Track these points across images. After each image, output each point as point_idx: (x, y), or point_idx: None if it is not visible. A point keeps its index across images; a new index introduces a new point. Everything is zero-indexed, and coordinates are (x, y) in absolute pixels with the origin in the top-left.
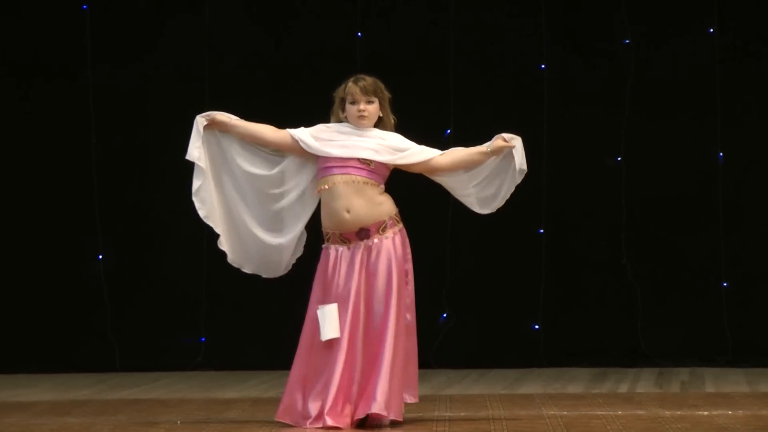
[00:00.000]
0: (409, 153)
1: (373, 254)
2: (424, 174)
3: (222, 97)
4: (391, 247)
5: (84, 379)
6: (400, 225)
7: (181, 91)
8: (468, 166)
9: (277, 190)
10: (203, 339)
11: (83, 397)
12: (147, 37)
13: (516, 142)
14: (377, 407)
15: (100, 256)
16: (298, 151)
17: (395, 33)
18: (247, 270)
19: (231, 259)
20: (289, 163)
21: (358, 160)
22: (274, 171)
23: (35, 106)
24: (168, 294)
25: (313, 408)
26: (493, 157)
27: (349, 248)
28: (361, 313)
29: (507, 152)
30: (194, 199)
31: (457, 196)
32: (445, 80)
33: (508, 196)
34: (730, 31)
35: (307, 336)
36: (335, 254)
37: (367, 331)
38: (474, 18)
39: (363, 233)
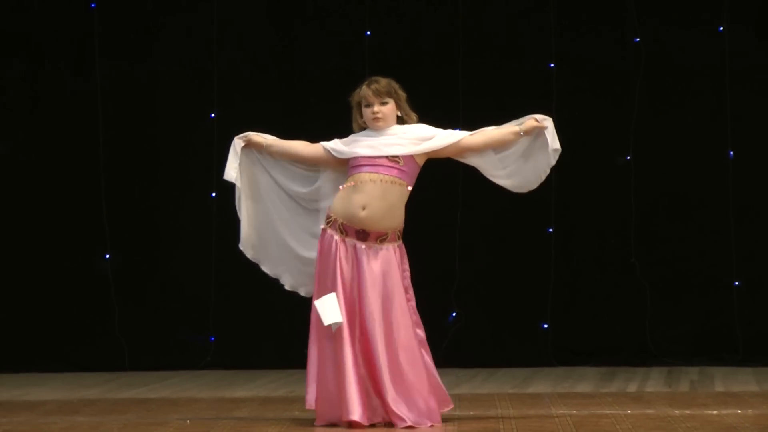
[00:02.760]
0: (437, 138)
1: (371, 255)
2: (454, 157)
3: (231, 95)
4: (392, 256)
5: (93, 378)
6: (400, 241)
7: (189, 89)
8: (498, 146)
9: (313, 206)
10: (212, 338)
11: (92, 396)
12: (156, 34)
13: (548, 123)
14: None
15: (108, 255)
16: (332, 163)
17: (403, 31)
18: (286, 283)
19: (270, 270)
20: (324, 180)
21: (387, 158)
22: (311, 188)
23: (43, 104)
24: (177, 293)
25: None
26: (524, 138)
27: (344, 241)
28: (356, 310)
29: (538, 133)
30: (241, 248)
31: (489, 177)
32: (454, 77)
33: (543, 177)
34: (740, 29)
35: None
36: (333, 242)
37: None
38: (483, 15)
39: (362, 234)
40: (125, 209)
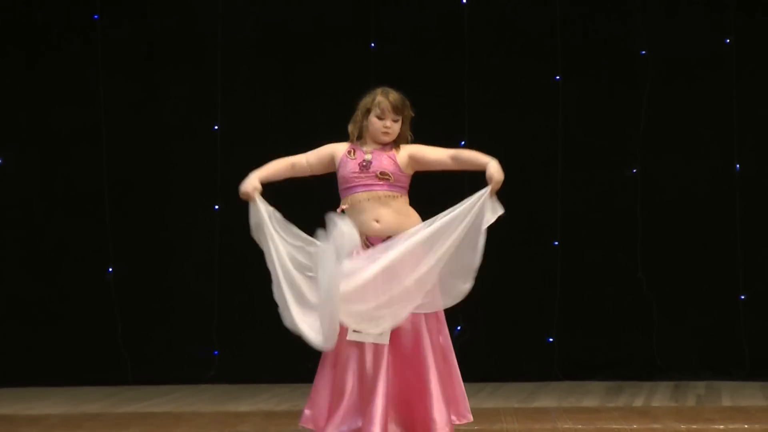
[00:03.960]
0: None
1: None
2: (437, 167)
3: (234, 107)
4: None
5: (96, 393)
6: None
7: (193, 100)
8: (467, 165)
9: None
10: (216, 352)
11: (95, 411)
12: (160, 46)
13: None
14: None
15: (111, 269)
16: (319, 170)
17: (409, 44)
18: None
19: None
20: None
21: (377, 176)
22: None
23: (47, 113)
24: (180, 306)
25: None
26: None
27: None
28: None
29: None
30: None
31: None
32: (459, 92)
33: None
34: (746, 42)
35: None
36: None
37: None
38: (488, 30)
39: (388, 241)
40: (128, 222)
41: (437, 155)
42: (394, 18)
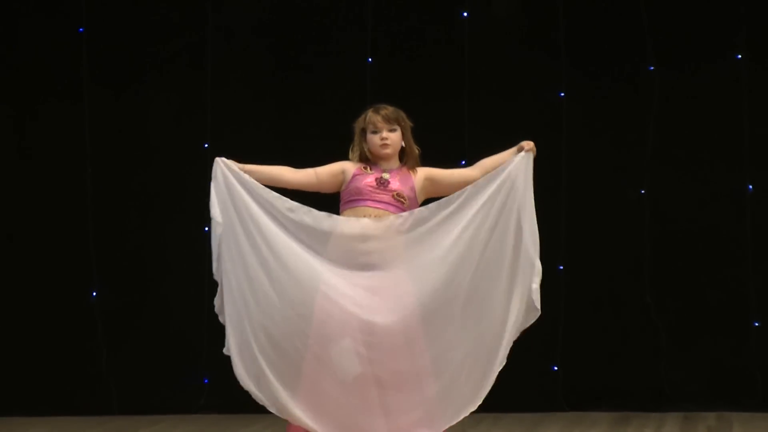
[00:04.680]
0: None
1: None
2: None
3: (224, 124)
4: None
5: (81, 423)
6: None
7: (181, 117)
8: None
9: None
10: (206, 380)
11: None
12: (147, 62)
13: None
14: None
15: (95, 293)
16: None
17: (407, 60)
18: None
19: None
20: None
21: (393, 196)
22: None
23: (29, 133)
24: (168, 333)
25: None
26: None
27: None
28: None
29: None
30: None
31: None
32: (460, 109)
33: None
34: (758, 58)
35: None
36: None
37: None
38: (489, 44)
39: None
40: (113, 244)
41: (461, 171)
42: (391, 33)
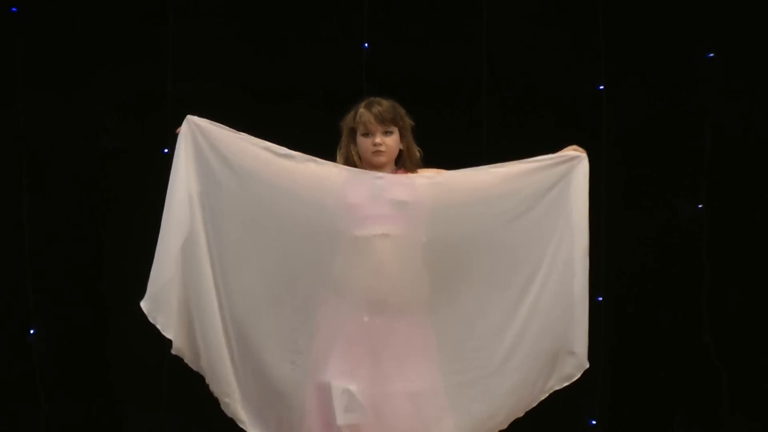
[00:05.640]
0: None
1: None
2: None
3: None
4: None
5: None
6: None
7: (136, 117)
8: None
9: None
10: None
11: None
12: (96, 52)
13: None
14: None
15: (33, 330)
16: None
17: (409, 43)
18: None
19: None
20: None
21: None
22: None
23: None
24: (121, 374)
25: None
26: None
27: None
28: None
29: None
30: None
31: None
32: (476, 103)
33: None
34: None
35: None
36: None
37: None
38: (511, 17)
39: None
40: (55, 269)
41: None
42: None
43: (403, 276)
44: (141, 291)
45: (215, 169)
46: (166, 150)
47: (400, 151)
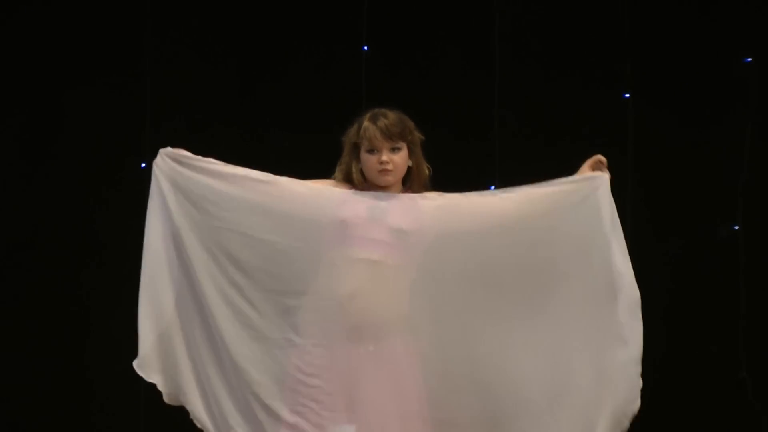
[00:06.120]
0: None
1: None
2: None
3: (168, 131)
4: None
5: None
6: None
7: (111, 128)
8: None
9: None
10: None
11: None
12: (71, 56)
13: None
14: None
15: None
16: None
17: (412, 44)
18: None
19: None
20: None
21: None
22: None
23: None
24: (100, 408)
25: None
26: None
27: None
28: None
29: None
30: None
31: None
32: (488, 116)
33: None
34: None
35: None
36: None
37: None
38: (526, 30)
39: None
40: (23, 295)
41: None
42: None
43: (383, 304)
44: (119, 318)
45: (198, 199)
46: (143, 165)
47: (408, 168)
